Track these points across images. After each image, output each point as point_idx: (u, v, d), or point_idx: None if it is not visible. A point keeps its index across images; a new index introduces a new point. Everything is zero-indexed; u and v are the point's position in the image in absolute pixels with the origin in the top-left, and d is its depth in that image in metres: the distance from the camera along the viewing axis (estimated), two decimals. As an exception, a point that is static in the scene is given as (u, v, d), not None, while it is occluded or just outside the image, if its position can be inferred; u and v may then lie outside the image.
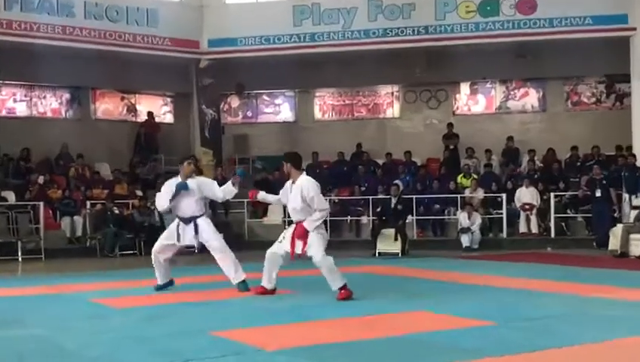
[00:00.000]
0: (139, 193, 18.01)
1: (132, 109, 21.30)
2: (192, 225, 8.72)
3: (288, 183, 8.27)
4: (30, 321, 6.92)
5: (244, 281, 8.69)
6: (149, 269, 12.03)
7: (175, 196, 8.69)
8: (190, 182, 8.81)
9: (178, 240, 8.76)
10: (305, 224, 7.97)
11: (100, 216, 16.43)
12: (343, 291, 7.88)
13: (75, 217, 16.73)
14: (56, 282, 10.53)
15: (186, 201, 8.74)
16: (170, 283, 9.07)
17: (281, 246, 8.20)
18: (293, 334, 6.04)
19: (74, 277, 10.82)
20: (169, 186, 8.86)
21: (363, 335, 5.83)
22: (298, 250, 8.00)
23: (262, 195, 8.96)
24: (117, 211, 16.75)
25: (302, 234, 7.93)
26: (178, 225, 8.79)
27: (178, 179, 8.86)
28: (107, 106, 21.03)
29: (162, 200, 8.85)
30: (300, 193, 7.98)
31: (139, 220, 16.69)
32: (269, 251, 8.33)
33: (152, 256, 8.91)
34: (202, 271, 11.45)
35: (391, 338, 5.72)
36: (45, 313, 7.48)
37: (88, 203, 17.09)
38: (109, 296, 8.71)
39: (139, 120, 21.11)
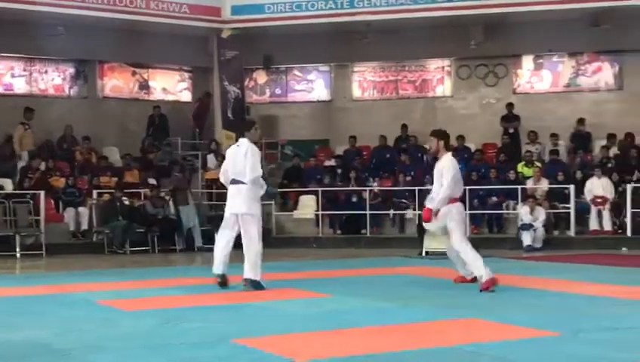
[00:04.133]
0: (152, 181, 18.21)
1: (145, 86, 21.51)
2: None
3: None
4: (30, 325, 7.06)
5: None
6: (161, 268, 12.20)
7: None
8: None
9: None
10: None
11: (107, 208, 16.68)
12: None
13: (80, 208, 16.99)
14: (58, 281, 10.73)
15: None
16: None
17: None
18: (327, 343, 6.08)
19: (79, 276, 10.99)
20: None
21: (407, 346, 5.85)
22: None
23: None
24: (127, 202, 16.98)
25: None
26: None
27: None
28: (116, 83, 21.30)
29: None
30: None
31: (152, 212, 16.89)
32: None
33: None
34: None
35: (438, 349, 5.73)
36: (47, 316, 7.62)
37: (95, 192, 17.35)
38: (119, 297, 8.85)
39: (152, 98, 21.34)
